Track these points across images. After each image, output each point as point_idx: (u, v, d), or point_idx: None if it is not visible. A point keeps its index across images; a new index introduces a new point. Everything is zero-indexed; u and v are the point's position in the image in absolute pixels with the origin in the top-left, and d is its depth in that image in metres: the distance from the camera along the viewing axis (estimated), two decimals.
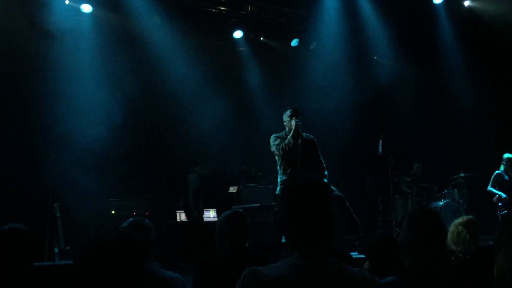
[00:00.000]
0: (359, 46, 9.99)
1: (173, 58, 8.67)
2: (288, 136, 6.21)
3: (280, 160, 6.32)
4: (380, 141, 7.96)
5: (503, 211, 7.59)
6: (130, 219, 2.81)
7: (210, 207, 8.60)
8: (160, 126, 9.18)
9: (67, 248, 6.18)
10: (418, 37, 9.57)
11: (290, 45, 9.70)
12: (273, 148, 6.33)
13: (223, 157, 8.98)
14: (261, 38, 9.71)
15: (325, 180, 6.18)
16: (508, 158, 7.81)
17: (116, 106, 8.16)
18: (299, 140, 6.19)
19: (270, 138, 6.40)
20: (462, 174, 8.98)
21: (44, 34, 7.61)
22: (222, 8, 8.96)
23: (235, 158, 9.04)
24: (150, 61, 8.61)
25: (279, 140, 6.29)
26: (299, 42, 9.66)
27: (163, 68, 8.66)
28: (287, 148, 6.17)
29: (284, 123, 6.43)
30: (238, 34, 9.17)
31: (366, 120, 9.93)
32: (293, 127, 6.20)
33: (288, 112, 6.37)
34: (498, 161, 8.07)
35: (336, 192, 6.24)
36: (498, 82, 9.31)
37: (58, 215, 6.47)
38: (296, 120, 6.21)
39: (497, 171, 7.87)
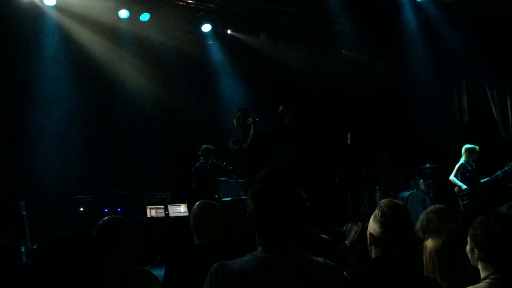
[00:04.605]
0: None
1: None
2: (250, 135, 6.07)
3: (245, 160, 6.20)
4: (349, 133, 8.08)
5: (465, 201, 7.79)
6: (106, 218, 2.71)
7: (180, 202, 8.54)
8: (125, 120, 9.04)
9: (34, 246, 6.05)
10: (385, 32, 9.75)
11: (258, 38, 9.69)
12: (235, 152, 6.20)
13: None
14: (228, 31, 9.67)
15: None
16: (467, 148, 8.02)
17: (78, 101, 8.07)
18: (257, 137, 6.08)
19: (229, 145, 6.23)
20: (428, 165, 9.20)
21: None
22: (190, 1, 8.88)
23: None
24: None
25: (239, 143, 6.15)
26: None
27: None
28: (249, 148, 6.03)
29: (238, 126, 6.29)
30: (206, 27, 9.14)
31: (334, 113, 10.02)
32: (252, 127, 6.08)
33: (239, 114, 6.27)
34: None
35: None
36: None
37: (24, 213, 6.33)
38: (251, 118, 6.12)
39: (461, 161, 8.04)
